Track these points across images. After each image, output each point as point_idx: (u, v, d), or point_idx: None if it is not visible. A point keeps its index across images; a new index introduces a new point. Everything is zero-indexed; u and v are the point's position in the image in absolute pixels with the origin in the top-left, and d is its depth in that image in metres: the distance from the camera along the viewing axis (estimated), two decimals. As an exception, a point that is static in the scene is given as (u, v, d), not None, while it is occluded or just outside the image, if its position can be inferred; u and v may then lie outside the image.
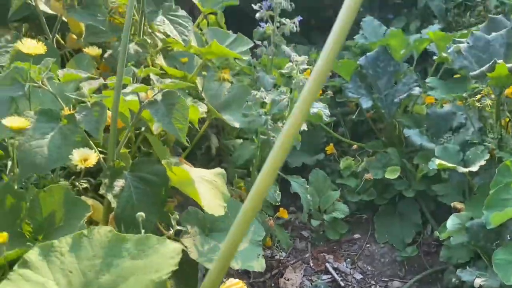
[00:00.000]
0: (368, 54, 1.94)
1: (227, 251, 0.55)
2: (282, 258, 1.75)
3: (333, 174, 2.05)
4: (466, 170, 1.30)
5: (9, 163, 0.84)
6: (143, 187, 0.99)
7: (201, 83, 1.60)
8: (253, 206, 0.54)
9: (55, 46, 1.45)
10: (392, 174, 1.80)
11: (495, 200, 1.14)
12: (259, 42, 1.72)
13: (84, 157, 0.86)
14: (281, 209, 1.65)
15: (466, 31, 1.82)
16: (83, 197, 1.00)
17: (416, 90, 1.77)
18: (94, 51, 1.23)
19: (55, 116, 0.92)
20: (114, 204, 0.93)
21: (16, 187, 0.86)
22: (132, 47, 1.38)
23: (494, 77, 1.22)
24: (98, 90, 1.03)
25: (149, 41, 1.43)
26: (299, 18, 1.69)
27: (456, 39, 1.62)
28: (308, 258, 1.78)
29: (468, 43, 1.38)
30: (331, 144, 2.09)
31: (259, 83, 1.68)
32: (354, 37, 2.29)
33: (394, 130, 2.01)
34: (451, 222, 1.27)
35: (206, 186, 1.01)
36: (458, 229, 1.26)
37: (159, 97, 1.00)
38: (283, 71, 1.51)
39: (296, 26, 1.67)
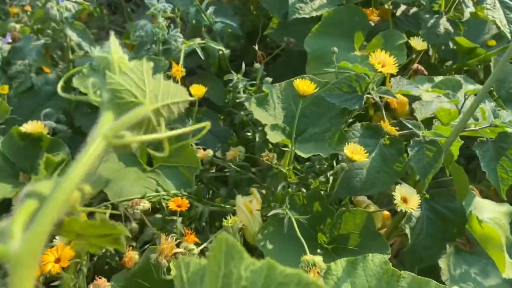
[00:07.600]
0: None
1: None
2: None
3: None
4: None
5: (331, 178, 0.83)
6: (436, 221, 0.91)
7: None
8: None
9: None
10: None
11: None
12: None
13: (404, 196, 0.79)
14: None
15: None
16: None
17: None
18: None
19: (378, 132, 0.86)
20: (409, 236, 0.88)
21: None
22: (443, 23, 1.20)
23: None
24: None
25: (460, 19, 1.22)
26: None
27: None
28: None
29: None
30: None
31: None
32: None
33: None
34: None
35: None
36: None
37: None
38: None
39: None
